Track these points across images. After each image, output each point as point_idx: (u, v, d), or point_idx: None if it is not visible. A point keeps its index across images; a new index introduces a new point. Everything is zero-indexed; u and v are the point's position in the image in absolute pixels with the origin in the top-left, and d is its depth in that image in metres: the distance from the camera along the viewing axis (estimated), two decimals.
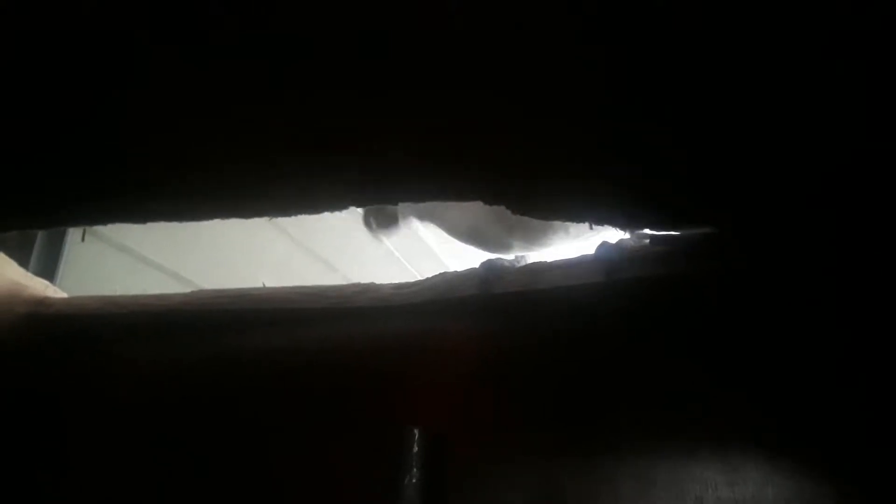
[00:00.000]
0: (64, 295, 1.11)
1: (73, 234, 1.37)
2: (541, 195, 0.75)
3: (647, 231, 0.78)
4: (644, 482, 0.77)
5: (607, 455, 0.79)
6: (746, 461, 0.74)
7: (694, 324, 0.77)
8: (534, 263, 0.91)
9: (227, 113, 0.65)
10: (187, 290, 1.07)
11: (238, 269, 1.10)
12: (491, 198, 0.76)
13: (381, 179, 0.76)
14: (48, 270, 1.31)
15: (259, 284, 1.10)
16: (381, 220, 1.13)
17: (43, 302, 1.07)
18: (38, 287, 1.09)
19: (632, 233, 0.81)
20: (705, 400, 0.74)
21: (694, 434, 0.75)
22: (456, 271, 0.97)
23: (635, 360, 0.77)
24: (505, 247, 1.07)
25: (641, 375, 0.76)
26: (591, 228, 0.84)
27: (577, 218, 0.81)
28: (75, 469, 1.00)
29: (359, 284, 1.05)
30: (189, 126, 0.68)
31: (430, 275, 1.00)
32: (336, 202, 0.82)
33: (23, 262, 1.17)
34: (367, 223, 1.14)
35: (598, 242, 0.84)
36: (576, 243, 1.03)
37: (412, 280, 1.01)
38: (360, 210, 1.13)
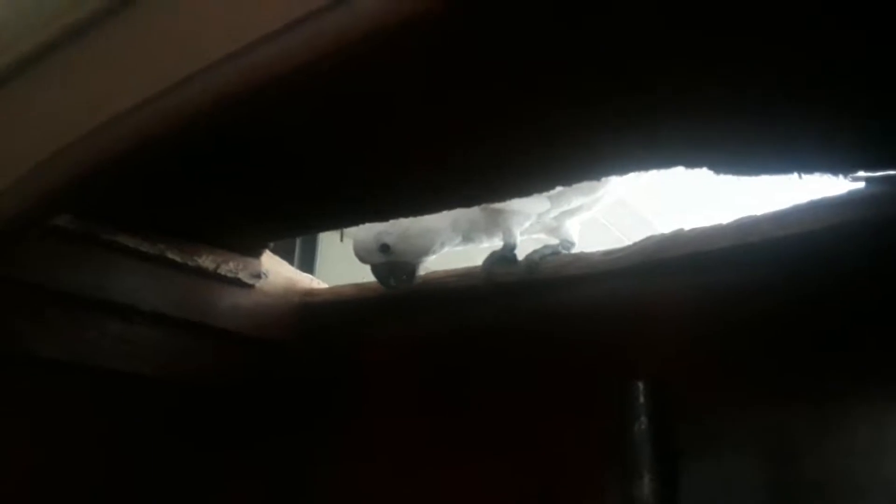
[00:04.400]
0: (325, 285, 1.33)
1: (323, 236, 1.63)
2: (754, 150, 0.76)
3: (861, 173, 0.77)
4: (878, 428, 0.76)
5: (836, 403, 0.79)
6: None
7: None
8: (742, 218, 0.92)
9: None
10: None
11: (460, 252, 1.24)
12: (702, 160, 0.78)
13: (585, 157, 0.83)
14: (307, 266, 1.58)
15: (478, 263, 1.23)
16: (399, 275, 1.13)
17: (310, 292, 1.30)
18: (305, 280, 1.32)
19: (846, 176, 0.79)
20: None
21: None
22: (662, 234, 1.01)
23: (856, 303, 0.76)
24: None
25: (864, 320, 0.75)
26: (800, 178, 0.83)
27: (786, 170, 0.81)
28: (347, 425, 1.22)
29: (570, 254, 1.13)
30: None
31: (635, 236, 1.06)
32: (546, 184, 0.91)
33: (288, 261, 1.42)
34: (384, 282, 1.13)
35: None
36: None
37: (619, 244, 1.07)
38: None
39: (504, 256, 1.13)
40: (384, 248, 1.10)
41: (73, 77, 0.60)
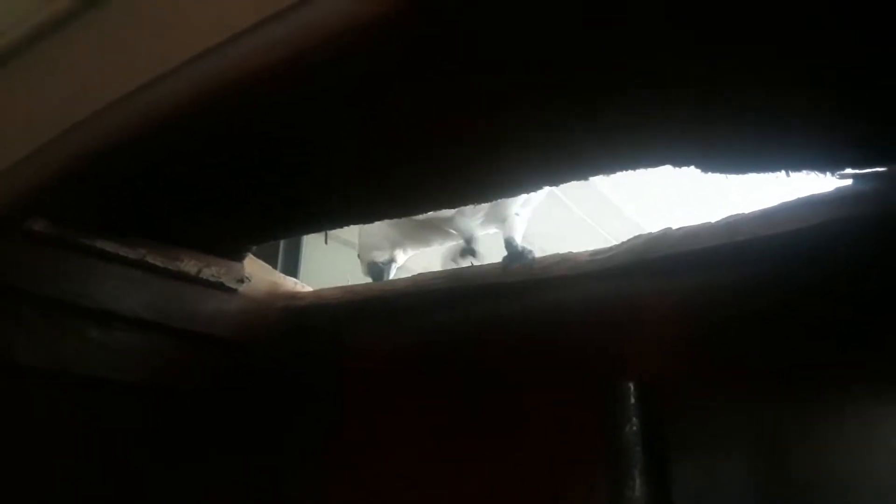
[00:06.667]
0: (309, 289, 1.31)
1: (307, 238, 1.61)
2: (742, 148, 0.76)
3: (849, 171, 0.76)
4: (866, 426, 0.76)
5: (825, 401, 0.79)
6: None
7: None
8: (730, 217, 0.92)
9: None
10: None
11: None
12: (690, 158, 0.78)
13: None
14: (290, 270, 1.56)
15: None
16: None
17: (294, 296, 1.28)
18: (290, 284, 1.30)
19: (833, 173, 0.79)
20: None
21: None
22: (649, 233, 1.00)
23: (844, 301, 0.76)
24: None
25: (852, 318, 0.75)
26: (787, 176, 0.83)
27: (773, 167, 0.81)
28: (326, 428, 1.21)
29: (557, 255, 1.12)
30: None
31: (623, 238, 1.05)
32: (532, 185, 0.90)
33: (271, 265, 1.40)
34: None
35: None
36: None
37: (606, 245, 1.06)
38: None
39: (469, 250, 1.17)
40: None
41: (47, 78, 0.58)
